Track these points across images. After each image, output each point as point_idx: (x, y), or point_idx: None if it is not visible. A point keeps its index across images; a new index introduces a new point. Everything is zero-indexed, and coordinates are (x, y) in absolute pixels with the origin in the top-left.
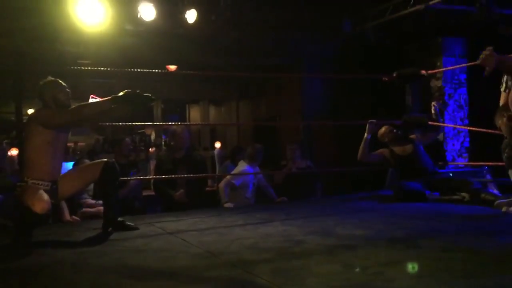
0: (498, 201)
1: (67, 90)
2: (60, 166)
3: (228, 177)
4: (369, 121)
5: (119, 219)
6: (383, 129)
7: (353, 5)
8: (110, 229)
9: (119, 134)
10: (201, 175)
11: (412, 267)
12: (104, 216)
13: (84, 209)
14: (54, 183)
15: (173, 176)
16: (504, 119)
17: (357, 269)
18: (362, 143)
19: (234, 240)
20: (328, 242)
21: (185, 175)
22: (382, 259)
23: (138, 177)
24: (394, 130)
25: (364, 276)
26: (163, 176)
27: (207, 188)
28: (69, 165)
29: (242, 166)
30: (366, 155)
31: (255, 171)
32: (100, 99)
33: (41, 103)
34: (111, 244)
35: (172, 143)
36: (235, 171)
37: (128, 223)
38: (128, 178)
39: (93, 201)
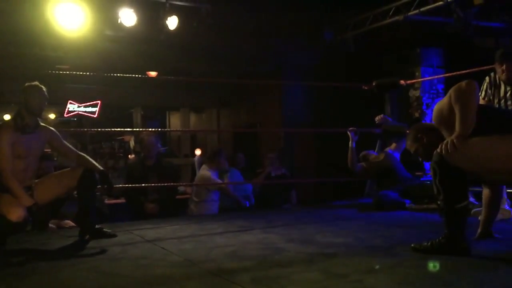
0: (475, 209)
1: (44, 100)
2: (34, 171)
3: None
4: (349, 129)
5: (97, 226)
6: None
7: (334, 14)
8: (87, 236)
9: (96, 140)
10: (172, 183)
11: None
12: (81, 223)
13: (66, 221)
14: (29, 189)
15: (143, 184)
16: (423, 142)
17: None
18: (349, 152)
19: (213, 248)
20: (308, 250)
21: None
22: (362, 267)
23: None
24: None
25: (344, 284)
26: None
27: (185, 196)
28: None
29: (203, 169)
30: (355, 164)
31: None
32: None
33: (18, 108)
34: (88, 252)
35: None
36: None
37: (106, 230)
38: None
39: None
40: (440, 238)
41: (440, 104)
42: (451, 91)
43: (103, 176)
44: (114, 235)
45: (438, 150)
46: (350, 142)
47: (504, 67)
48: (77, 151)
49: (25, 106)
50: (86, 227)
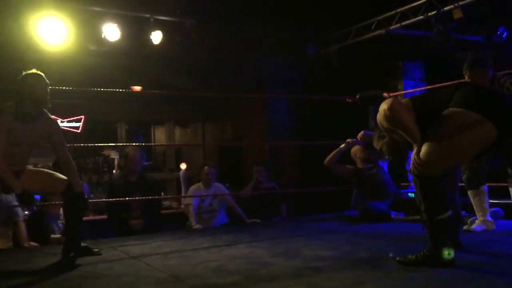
0: (471, 219)
1: (48, 87)
2: (25, 159)
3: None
4: (347, 140)
5: (82, 244)
6: (357, 147)
7: (317, 28)
8: (71, 254)
9: (80, 155)
10: (156, 197)
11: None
12: (65, 240)
13: (52, 236)
14: (16, 175)
15: (126, 199)
16: (385, 140)
17: None
18: (335, 150)
19: (199, 263)
20: (295, 263)
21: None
22: (348, 280)
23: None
24: (367, 151)
25: None
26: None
27: (171, 210)
28: None
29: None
30: (333, 162)
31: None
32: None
33: (18, 97)
34: (72, 270)
35: (124, 166)
36: (188, 192)
37: (91, 247)
38: None
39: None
40: (425, 250)
41: (379, 121)
42: (382, 119)
43: (80, 197)
44: (99, 253)
45: (411, 171)
46: (343, 145)
47: (468, 75)
48: (69, 157)
49: (29, 96)
50: (71, 244)
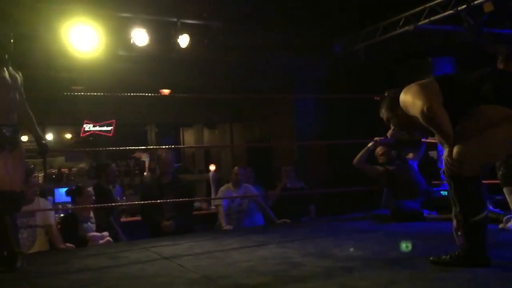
0: (506, 217)
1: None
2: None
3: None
4: (374, 139)
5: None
6: (378, 149)
7: (343, 27)
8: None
9: (112, 158)
10: (189, 199)
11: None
12: None
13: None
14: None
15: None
16: (399, 112)
17: None
18: (363, 150)
19: (230, 264)
20: (326, 264)
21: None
22: (381, 280)
23: (125, 203)
24: (389, 151)
25: None
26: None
27: (201, 212)
28: (61, 190)
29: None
30: (362, 162)
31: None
32: None
33: None
34: (108, 271)
35: (157, 168)
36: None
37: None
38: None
39: (99, 234)
40: (459, 251)
41: (405, 105)
42: (417, 112)
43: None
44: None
45: (445, 172)
46: (371, 143)
47: (503, 67)
48: (28, 108)
49: None
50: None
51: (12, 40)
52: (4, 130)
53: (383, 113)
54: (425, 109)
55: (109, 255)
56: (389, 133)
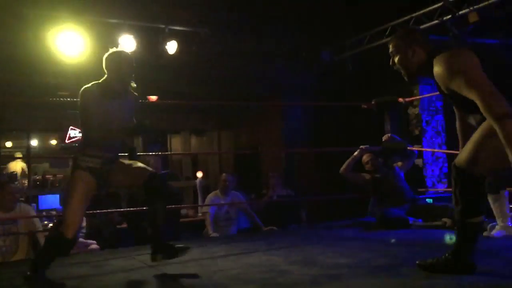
0: (490, 224)
1: (133, 64)
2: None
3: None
4: (360, 147)
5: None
6: (365, 157)
7: (331, 35)
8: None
9: None
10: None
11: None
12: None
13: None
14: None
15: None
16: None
17: None
18: (349, 158)
19: (216, 272)
20: (312, 271)
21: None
22: (366, 287)
23: (112, 210)
24: (375, 159)
25: None
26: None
27: (188, 219)
28: (55, 197)
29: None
30: (349, 171)
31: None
32: None
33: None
34: (89, 280)
35: None
36: (206, 200)
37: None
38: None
39: (85, 241)
40: (446, 254)
41: (442, 75)
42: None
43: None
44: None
45: (456, 167)
46: (357, 152)
47: None
48: None
49: (116, 74)
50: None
51: None
52: None
53: (394, 43)
54: (498, 110)
55: (93, 264)
56: (384, 137)
